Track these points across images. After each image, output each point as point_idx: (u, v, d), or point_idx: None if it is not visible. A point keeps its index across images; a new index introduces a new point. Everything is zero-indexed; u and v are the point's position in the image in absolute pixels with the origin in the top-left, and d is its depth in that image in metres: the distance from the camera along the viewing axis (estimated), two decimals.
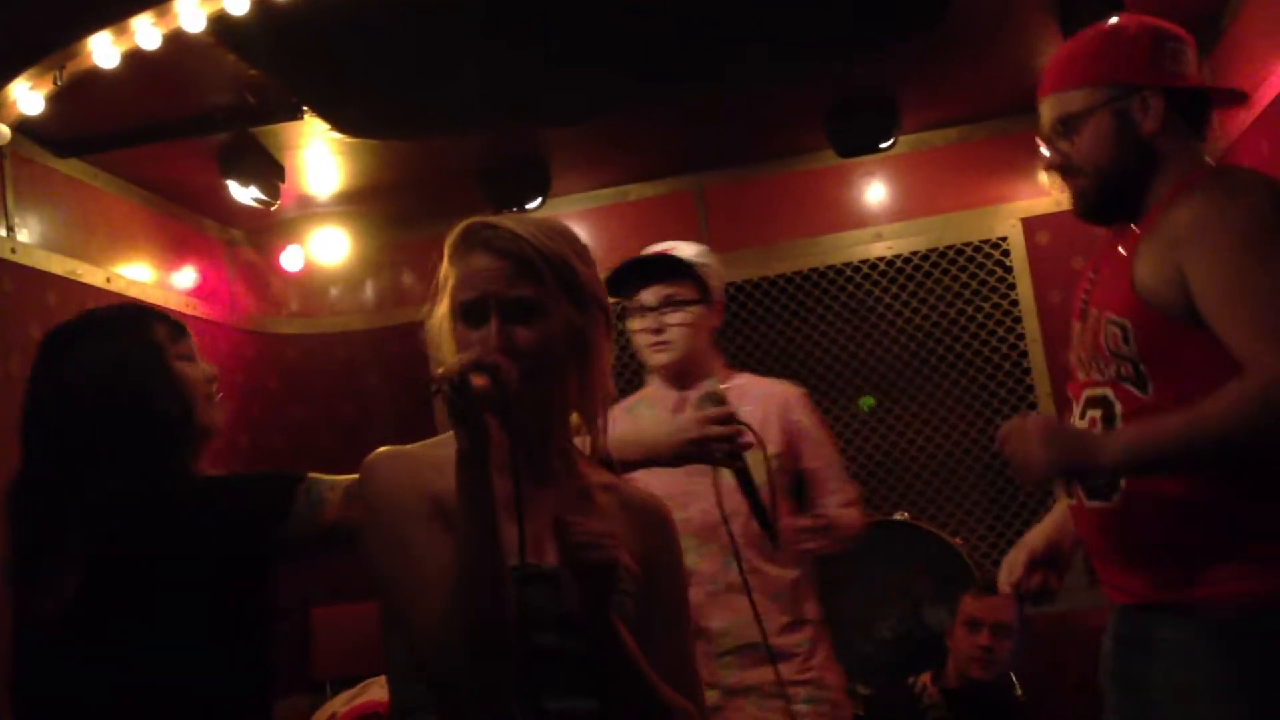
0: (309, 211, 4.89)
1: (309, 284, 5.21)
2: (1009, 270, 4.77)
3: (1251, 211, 1.67)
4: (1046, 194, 4.71)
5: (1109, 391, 1.79)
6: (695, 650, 1.59)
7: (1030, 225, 4.73)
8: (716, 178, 5.08)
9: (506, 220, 1.45)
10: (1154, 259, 1.74)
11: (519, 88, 4.00)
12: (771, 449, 2.26)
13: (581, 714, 1.40)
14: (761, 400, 2.56)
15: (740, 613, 2.32)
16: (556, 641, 1.40)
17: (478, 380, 1.31)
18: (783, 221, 5.03)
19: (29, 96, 3.00)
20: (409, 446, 1.53)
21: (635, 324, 2.58)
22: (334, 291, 5.27)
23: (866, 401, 4.69)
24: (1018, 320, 4.72)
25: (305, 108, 3.80)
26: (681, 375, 2.57)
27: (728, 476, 1.98)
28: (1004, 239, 4.79)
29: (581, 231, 5.29)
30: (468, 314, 1.42)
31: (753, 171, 5.04)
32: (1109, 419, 1.79)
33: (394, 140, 4.24)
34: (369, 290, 5.26)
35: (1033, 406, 4.64)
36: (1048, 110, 1.90)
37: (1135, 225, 1.84)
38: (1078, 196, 1.90)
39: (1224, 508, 1.71)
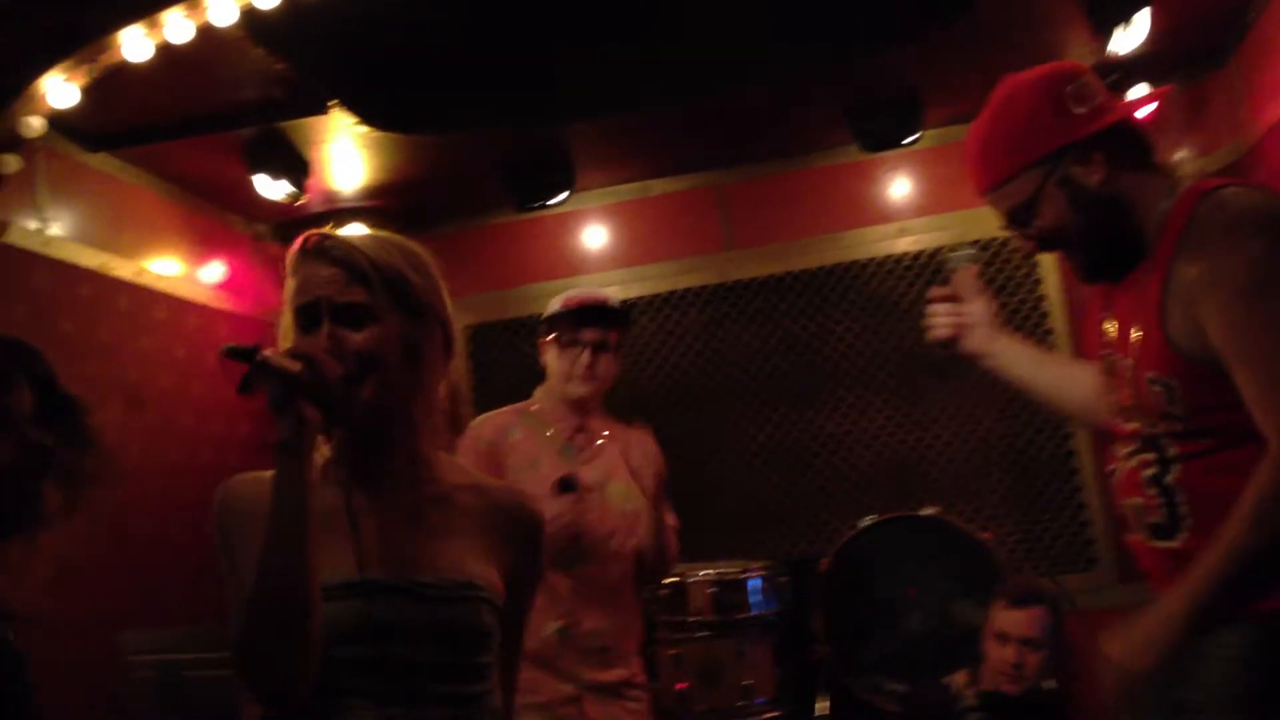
0: (334, 206, 4.91)
1: None
2: (1035, 265, 4.76)
3: (1251, 263, 1.65)
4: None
5: (1160, 438, 1.78)
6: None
7: None
8: (738, 174, 5.08)
9: (345, 234, 1.52)
10: (1179, 318, 1.71)
11: (542, 82, 4.01)
12: (648, 482, 2.86)
13: None
14: (638, 444, 2.97)
15: (605, 619, 2.79)
16: (393, 651, 1.41)
17: (288, 363, 1.35)
18: (804, 217, 5.03)
19: (61, 89, 3.02)
20: (263, 472, 1.52)
21: (565, 353, 2.91)
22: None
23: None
24: (1045, 315, 4.71)
25: (332, 101, 3.82)
26: (584, 406, 2.94)
27: (616, 501, 2.82)
28: None
29: (604, 226, 5.33)
30: (302, 318, 1.47)
31: (774, 167, 5.04)
32: (1163, 462, 1.78)
33: (419, 135, 4.25)
34: None
35: None
36: (995, 206, 1.88)
37: (1144, 268, 1.80)
38: (1076, 266, 1.89)
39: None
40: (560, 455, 2.87)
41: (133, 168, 4.13)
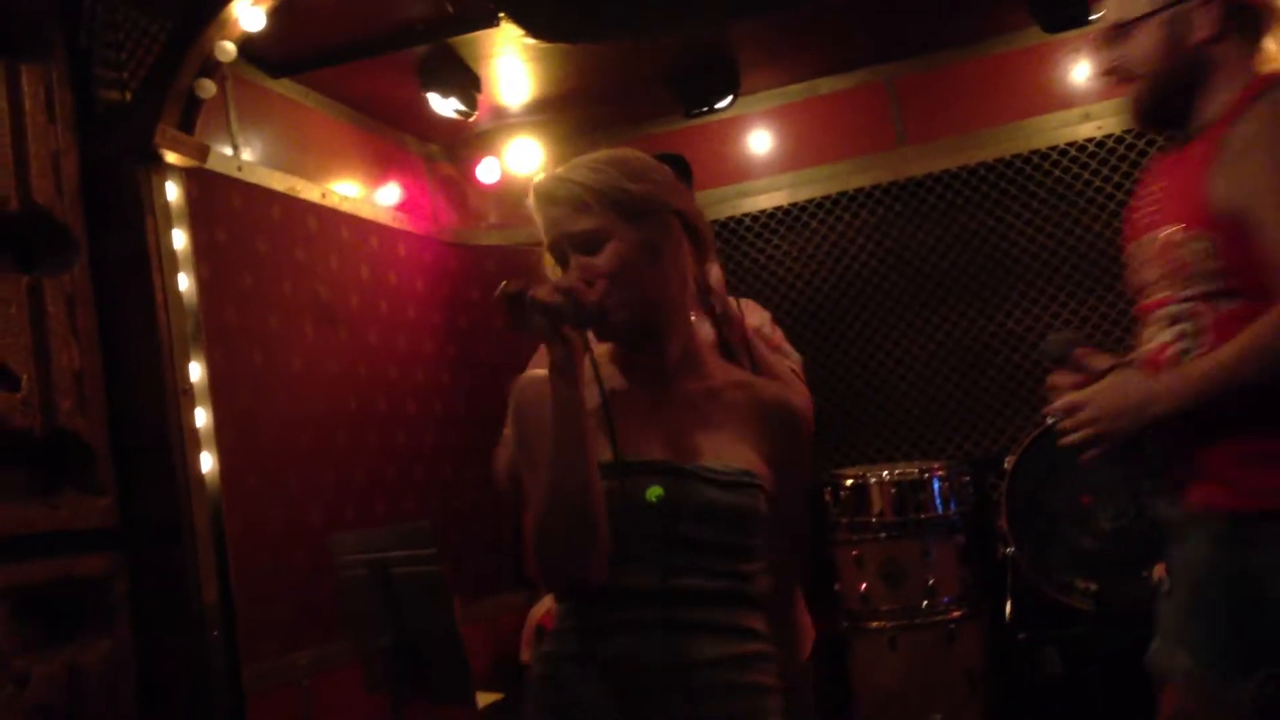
0: (503, 123, 4.97)
1: (505, 196, 5.30)
2: None
3: None
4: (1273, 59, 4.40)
5: (1193, 307, 1.82)
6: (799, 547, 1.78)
7: None
8: (910, 66, 4.92)
9: (561, 170, 1.65)
10: (1227, 175, 1.76)
11: None
12: None
13: (710, 592, 1.58)
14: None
15: None
16: (680, 527, 1.58)
17: (551, 298, 1.50)
18: (981, 107, 4.84)
19: (250, 13, 3.11)
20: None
21: None
22: (530, 202, 5.35)
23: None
24: None
25: (501, 13, 3.84)
26: None
27: None
28: None
29: (771, 129, 5.22)
30: (554, 257, 1.65)
31: (947, 57, 4.86)
32: (1196, 334, 1.82)
33: (586, 44, 4.24)
34: None
35: None
36: (1108, 11, 1.93)
37: (1197, 139, 1.85)
38: (1132, 101, 1.93)
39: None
40: None
41: (314, 92, 4.25)
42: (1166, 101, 1.89)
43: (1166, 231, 1.85)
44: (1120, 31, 1.89)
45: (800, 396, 1.72)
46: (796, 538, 1.73)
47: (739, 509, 1.60)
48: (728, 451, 1.63)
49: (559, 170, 1.65)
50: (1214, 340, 1.79)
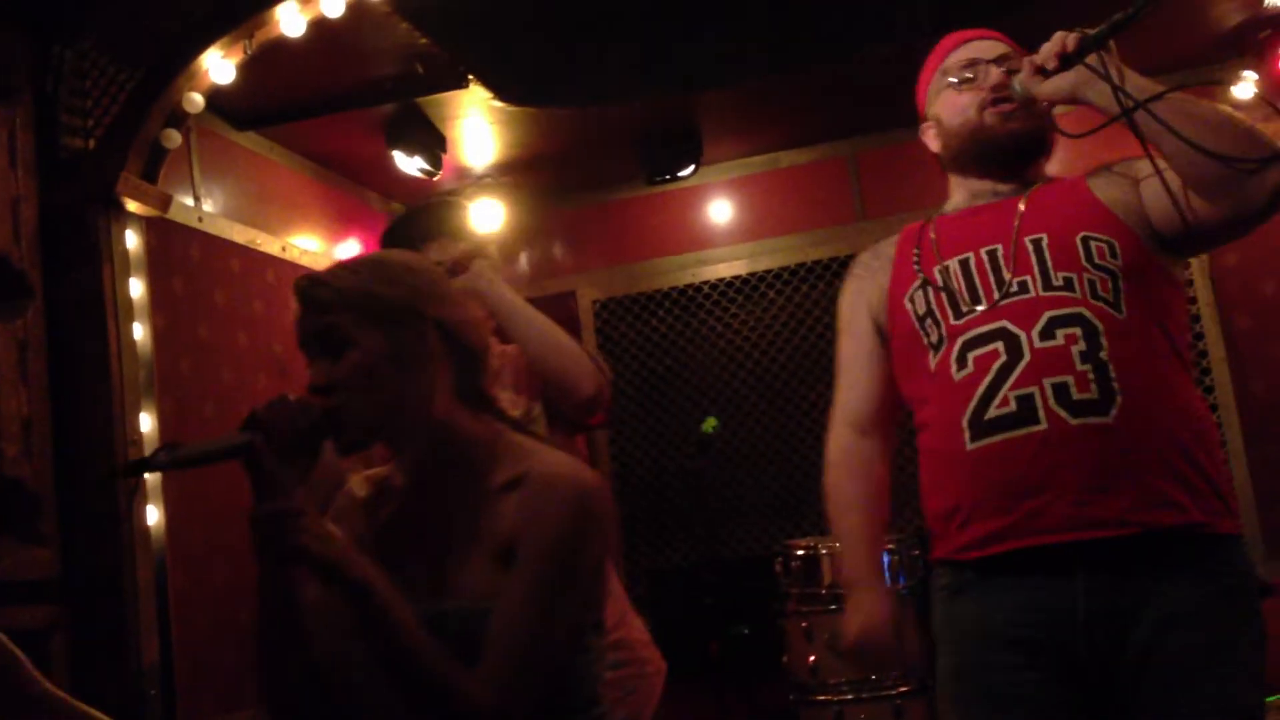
0: (466, 183, 4.98)
1: None
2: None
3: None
4: None
5: (1084, 310, 1.76)
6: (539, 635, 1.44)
7: None
8: (871, 142, 5.01)
9: (320, 270, 1.55)
10: (1116, 190, 1.85)
11: (674, 54, 4.01)
12: None
13: None
14: None
15: None
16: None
17: (234, 439, 1.45)
18: (940, 186, 4.90)
19: (221, 66, 3.11)
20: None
21: None
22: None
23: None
24: (1200, 336, 4.54)
25: (471, 76, 3.87)
26: None
27: None
28: None
29: (732, 199, 5.25)
30: (306, 358, 1.52)
31: (909, 135, 4.89)
32: (1091, 336, 1.74)
33: (553, 108, 4.29)
34: (523, 261, 5.34)
35: (1209, 390, 4.49)
36: (1002, 48, 1.99)
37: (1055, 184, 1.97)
38: (1016, 121, 1.96)
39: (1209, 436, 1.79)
40: None
41: (278, 146, 4.25)
42: (1035, 141, 2.00)
43: (1049, 236, 1.84)
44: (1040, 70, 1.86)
45: (571, 484, 1.48)
46: (509, 631, 1.42)
47: (476, 652, 1.41)
48: (472, 581, 1.46)
49: (318, 271, 1.55)
50: (1109, 347, 1.73)
